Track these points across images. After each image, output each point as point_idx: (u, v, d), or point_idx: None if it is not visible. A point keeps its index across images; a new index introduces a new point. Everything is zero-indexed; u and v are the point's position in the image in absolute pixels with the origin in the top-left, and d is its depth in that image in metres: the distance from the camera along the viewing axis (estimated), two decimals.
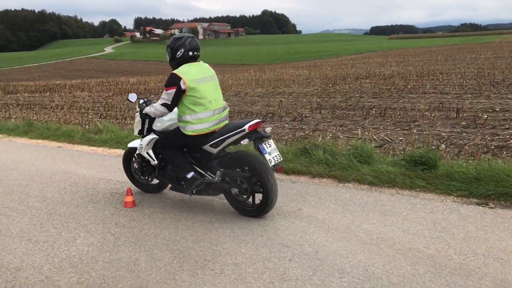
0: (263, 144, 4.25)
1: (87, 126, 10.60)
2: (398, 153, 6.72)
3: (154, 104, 4.54)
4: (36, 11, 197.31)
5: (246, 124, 4.23)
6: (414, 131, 8.54)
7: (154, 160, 4.88)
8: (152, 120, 4.90)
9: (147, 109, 4.62)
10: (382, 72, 22.71)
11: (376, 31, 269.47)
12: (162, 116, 4.69)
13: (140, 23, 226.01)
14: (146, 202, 5.04)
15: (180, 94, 4.30)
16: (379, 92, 14.61)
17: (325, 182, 5.48)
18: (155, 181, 5.30)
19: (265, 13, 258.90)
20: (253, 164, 4.25)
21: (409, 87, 15.39)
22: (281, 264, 3.44)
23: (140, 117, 4.96)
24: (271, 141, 4.33)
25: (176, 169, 4.64)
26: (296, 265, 3.41)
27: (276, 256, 3.56)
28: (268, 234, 3.99)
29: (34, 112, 14.99)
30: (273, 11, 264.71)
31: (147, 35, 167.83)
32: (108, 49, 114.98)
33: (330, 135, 8.49)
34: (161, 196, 5.26)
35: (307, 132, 9.04)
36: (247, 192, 4.36)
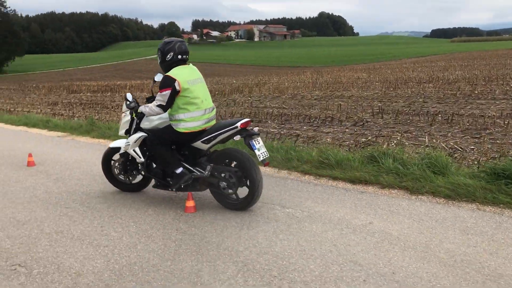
0: (252, 140, 4.59)
1: None
2: (471, 163, 6.22)
3: (149, 105, 4.78)
4: (100, 13, 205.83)
5: (238, 122, 4.57)
6: (486, 139, 7.94)
7: (140, 158, 5.08)
8: (139, 119, 5.15)
9: (142, 109, 4.87)
10: (446, 76, 21.68)
11: (437, 33, 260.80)
12: (156, 116, 4.90)
13: (197, 25, 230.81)
14: (207, 208, 4.87)
15: (174, 95, 4.56)
16: (444, 97, 13.87)
17: (396, 194, 5.10)
18: (136, 180, 5.56)
19: (322, 15, 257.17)
20: (242, 159, 4.61)
21: (476, 92, 14.53)
22: (354, 285, 3.13)
23: (135, 116, 5.15)
24: (259, 139, 4.69)
25: (165, 165, 4.88)
26: (371, 287, 3.10)
27: (348, 276, 3.26)
28: (338, 249, 3.69)
29: (96, 111, 15.39)
30: (330, 13, 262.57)
31: (204, 37, 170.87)
32: None
33: (395, 141, 8.06)
34: None
35: (369, 138, 8.63)
36: (235, 186, 4.65)
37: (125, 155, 5.35)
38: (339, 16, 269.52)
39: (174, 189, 4.91)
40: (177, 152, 4.94)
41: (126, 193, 5.54)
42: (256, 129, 4.74)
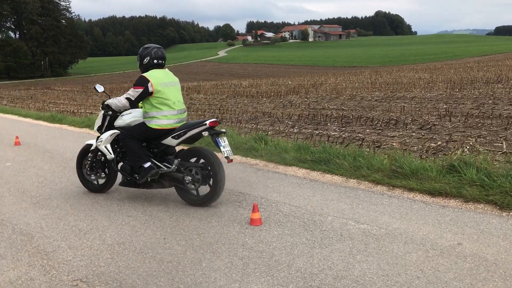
0: (219, 138, 4.99)
1: None
2: None
3: (118, 97, 5.25)
4: (158, 17, 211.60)
5: (207, 120, 4.96)
6: None
7: (111, 154, 5.40)
8: (112, 118, 5.50)
9: (109, 101, 5.34)
10: None
11: (502, 31, 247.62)
12: (123, 108, 5.29)
13: (252, 27, 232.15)
14: (273, 221, 4.54)
15: (145, 95, 5.01)
16: None
17: (482, 209, 4.57)
18: (101, 181, 5.76)
19: (378, 14, 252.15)
20: (210, 158, 4.96)
21: None
22: None
23: (102, 109, 5.49)
24: (225, 138, 5.11)
25: (135, 159, 5.13)
26: None
27: None
28: (426, 275, 3.26)
29: None
30: (387, 12, 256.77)
31: (258, 39, 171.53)
32: (222, 53, 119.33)
33: (467, 147, 7.43)
34: (289, 215, 4.71)
35: (439, 143, 8.03)
36: (199, 182, 5.00)
37: (95, 152, 5.63)
38: (396, 15, 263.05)
39: (140, 185, 5.26)
40: (147, 149, 5.27)
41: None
42: (223, 130, 5.14)
